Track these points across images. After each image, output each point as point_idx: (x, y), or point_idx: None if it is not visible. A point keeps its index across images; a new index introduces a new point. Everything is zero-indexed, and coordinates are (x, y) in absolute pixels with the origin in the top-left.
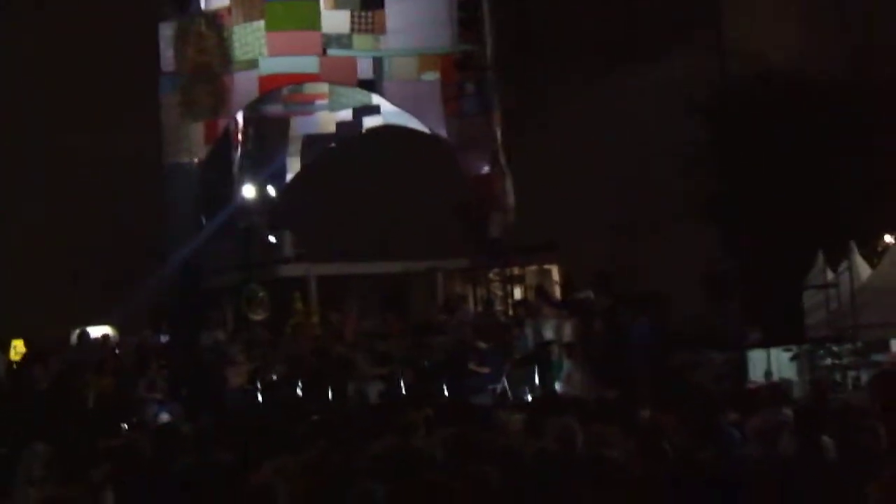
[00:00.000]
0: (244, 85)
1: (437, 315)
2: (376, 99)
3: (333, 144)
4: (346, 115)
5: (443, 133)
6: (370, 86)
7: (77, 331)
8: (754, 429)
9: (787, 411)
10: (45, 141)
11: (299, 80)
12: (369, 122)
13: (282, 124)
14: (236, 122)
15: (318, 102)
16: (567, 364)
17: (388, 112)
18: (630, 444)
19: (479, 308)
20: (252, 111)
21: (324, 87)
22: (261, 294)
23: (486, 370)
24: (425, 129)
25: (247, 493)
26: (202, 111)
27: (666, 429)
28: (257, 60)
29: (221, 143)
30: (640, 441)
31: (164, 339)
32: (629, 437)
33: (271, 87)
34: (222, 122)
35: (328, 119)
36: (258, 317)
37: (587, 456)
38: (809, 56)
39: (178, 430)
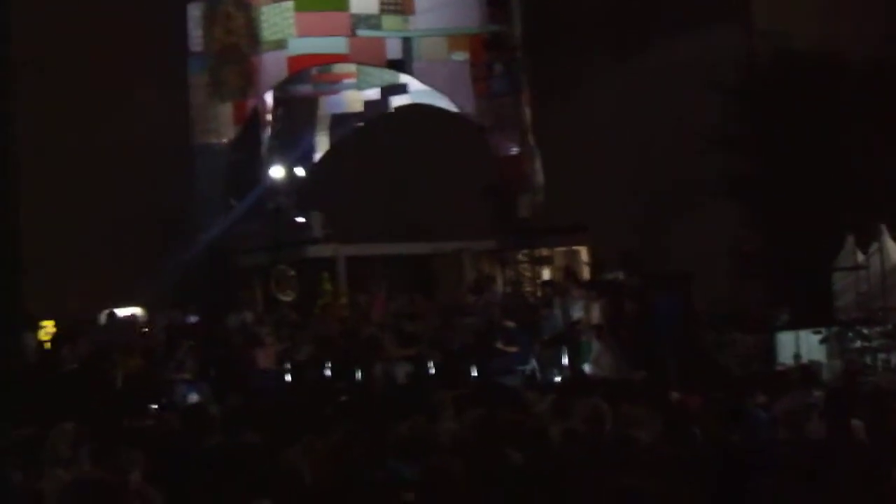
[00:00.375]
0: (273, 65)
1: (466, 296)
2: (404, 78)
3: (361, 123)
4: (374, 94)
5: (472, 113)
6: (399, 66)
7: (106, 311)
8: (784, 411)
9: (817, 394)
10: (74, 123)
11: (328, 60)
12: (397, 101)
13: (310, 104)
14: (265, 103)
15: (346, 81)
16: (596, 345)
17: (415, 91)
18: (658, 425)
19: (508, 289)
20: (281, 91)
21: (351, 67)
22: (290, 275)
23: (514, 349)
24: (453, 109)
25: (274, 474)
26: (231, 92)
27: (693, 411)
28: (286, 41)
29: (250, 124)
30: (668, 423)
31: (192, 319)
32: (658, 419)
33: (300, 68)
34: (251, 103)
35: (355, 98)
36: (287, 298)
37: (615, 437)
38: (837, 36)
39: (206, 411)
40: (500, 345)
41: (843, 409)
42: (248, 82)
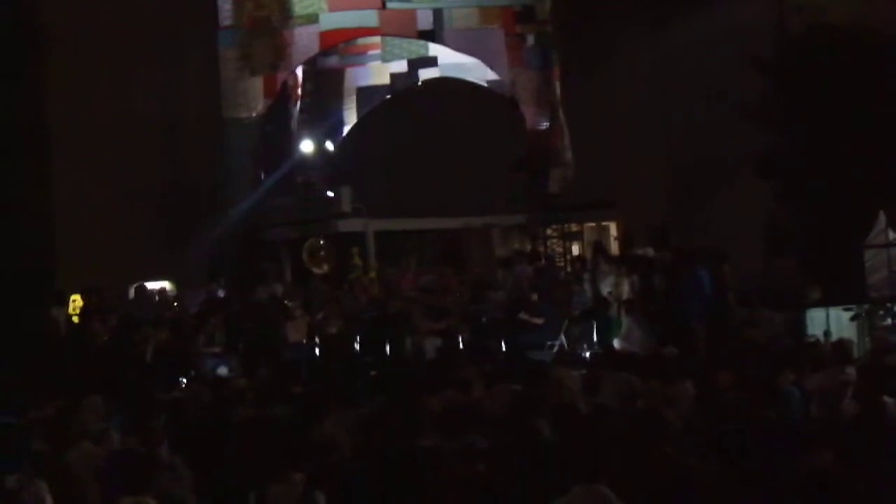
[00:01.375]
0: (304, 40)
1: (495, 270)
2: (433, 50)
3: (389, 96)
4: (400, 66)
5: (505, 81)
6: (430, 36)
7: (135, 285)
8: (818, 388)
9: (851, 370)
10: (104, 98)
11: (359, 34)
12: (425, 73)
13: (337, 76)
14: (295, 76)
15: (371, 53)
16: (626, 320)
17: (445, 64)
18: (689, 401)
19: (538, 264)
20: (309, 64)
21: (376, 38)
22: (323, 247)
23: (539, 321)
24: (482, 83)
25: (309, 445)
26: (261, 66)
27: (725, 387)
28: (317, 15)
29: (280, 98)
30: (701, 399)
31: (221, 293)
32: (689, 395)
33: (332, 43)
34: (281, 77)
35: (381, 70)
36: (321, 270)
37: (646, 412)
38: (871, 9)
39: (236, 384)
40: (523, 315)
41: (874, 386)
42: (280, 56)
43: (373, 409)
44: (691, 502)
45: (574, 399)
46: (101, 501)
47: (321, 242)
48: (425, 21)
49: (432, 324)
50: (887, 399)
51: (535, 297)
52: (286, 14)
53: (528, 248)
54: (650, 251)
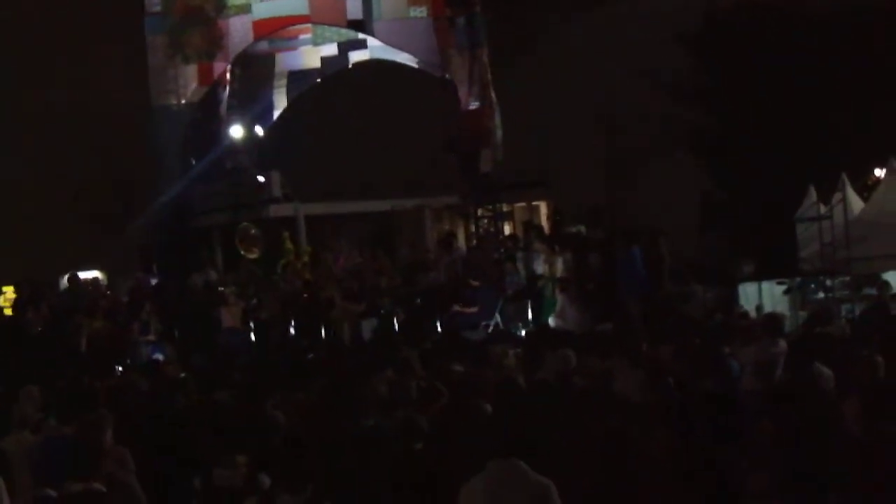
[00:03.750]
0: (239, 29)
1: (429, 252)
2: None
3: (319, 80)
4: (331, 49)
5: (435, 66)
6: (360, 26)
7: (67, 275)
8: (752, 361)
9: (782, 342)
10: (31, 86)
11: (291, 22)
12: (356, 56)
13: (267, 61)
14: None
15: (302, 37)
16: (560, 299)
17: (375, 46)
18: (630, 375)
19: (471, 244)
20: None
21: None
22: (254, 232)
23: (473, 309)
24: (413, 64)
25: (251, 428)
26: (195, 53)
27: (664, 360)
28: (250, 5)
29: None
30: (644, 372)
31: (154, 280)
32: (630, 369)
33: (266, 32)
34: (219, 67)
35: (312, 54)
36: (252, 255)
37: (585, 387)
38: None
39: (173, 370)
40: (458, 307)
41: (807, 357)
42: (216, 45)
43: (313, 391)
44: (635, 473)
45: (513, 376)
46: (42, 488)
47: (253, 228)
48: (355, 10)
49: (350, 305)
50: (823, 369)
51: (473, 282)
52: (219, 4)
53: (461, 228)
54: (583, 229)
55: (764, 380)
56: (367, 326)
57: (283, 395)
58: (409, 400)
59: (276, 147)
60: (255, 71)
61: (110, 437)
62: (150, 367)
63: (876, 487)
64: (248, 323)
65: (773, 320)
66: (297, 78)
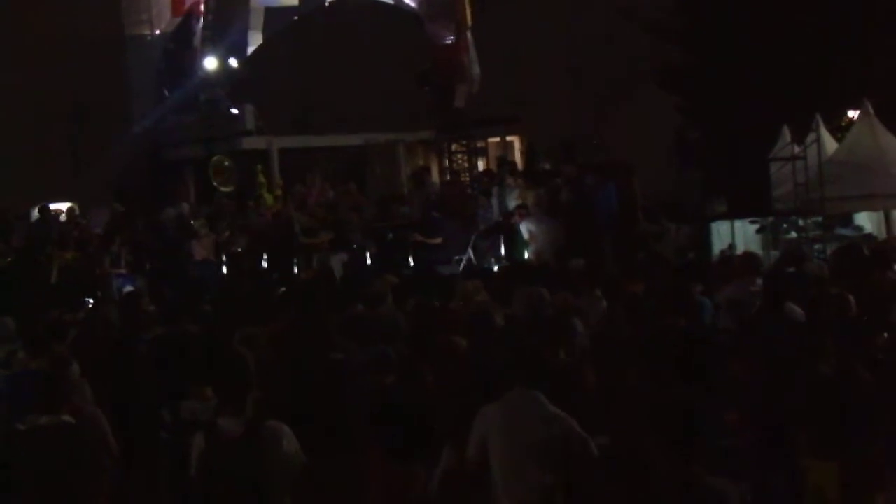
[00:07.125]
0: None
1: (402, 186)
2: None
3: (296, 17)
4: None
5: (410, 1)
6: None
7: (38, 206)
8: (727, 299)
9: (760, 282)
10: (1, 15)
11: None
12: None
13: None
14: None
15: None
16: (523, 226)
17: None
18: (600, 312)
19: (444, 179)
20: None
21: None
22: (227, 164)
23: (436, 240)
24: (389, 0)
25: (217, 363)
26: None
27: (636, 296)
28: None
29: (183, 15)
30: (620, 307)
31: (124, 211)
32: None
33: None
34: None
35: None
36: (226, 188)
37: (556, 321)
38: None
39: (143, 302)
40: (418, 237)
41: (780, 294)
42: None
43: (283, 324)
44: (608, 410)
45: (487, 310)
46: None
47: (226, 161)
48: None
49: (310, 240)
50: (794, 307)
51: (435, 214)
52: None
53: (435, 163)
54: (557, 166)
55: (738, 318)
56: (339, 261)
57: (252, 327)
58: (379, 334)
59: (251, 80)
60: (229, 3)
61: (76, 371)
62: (124, 301)
63: (845, 424)
64: (221, 256)
65: (751, 259)
66: (274, 15)
